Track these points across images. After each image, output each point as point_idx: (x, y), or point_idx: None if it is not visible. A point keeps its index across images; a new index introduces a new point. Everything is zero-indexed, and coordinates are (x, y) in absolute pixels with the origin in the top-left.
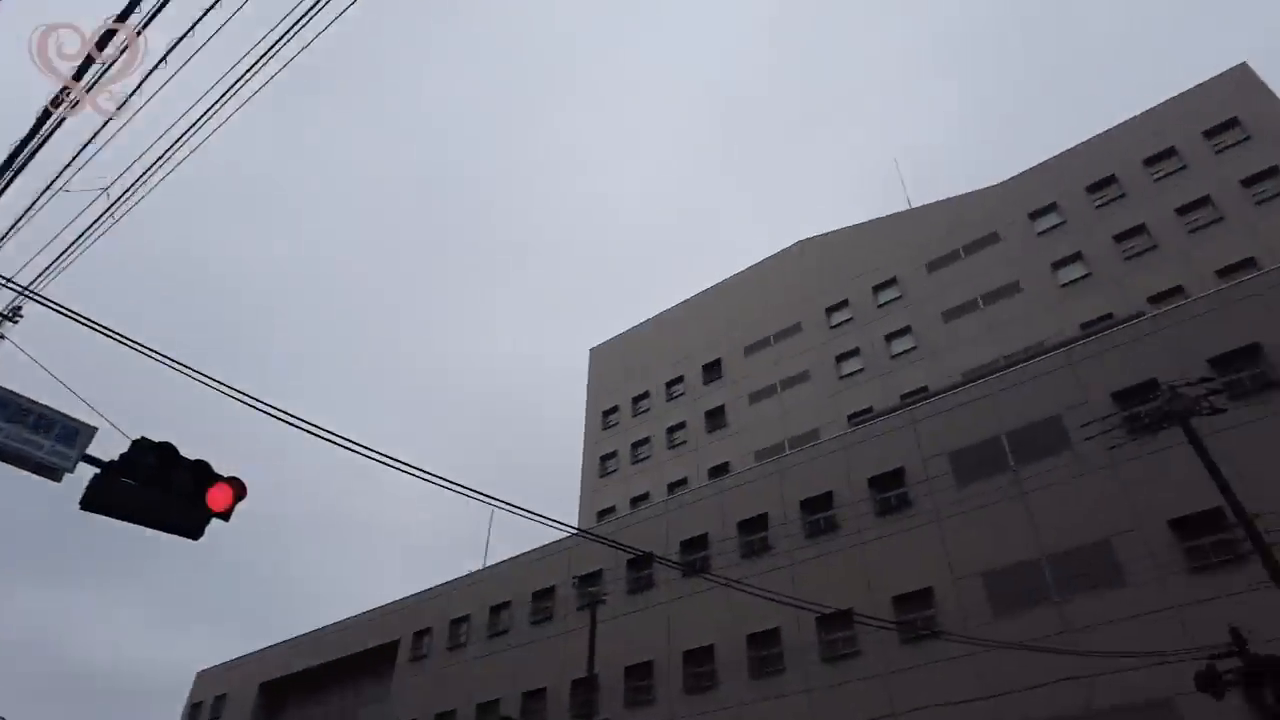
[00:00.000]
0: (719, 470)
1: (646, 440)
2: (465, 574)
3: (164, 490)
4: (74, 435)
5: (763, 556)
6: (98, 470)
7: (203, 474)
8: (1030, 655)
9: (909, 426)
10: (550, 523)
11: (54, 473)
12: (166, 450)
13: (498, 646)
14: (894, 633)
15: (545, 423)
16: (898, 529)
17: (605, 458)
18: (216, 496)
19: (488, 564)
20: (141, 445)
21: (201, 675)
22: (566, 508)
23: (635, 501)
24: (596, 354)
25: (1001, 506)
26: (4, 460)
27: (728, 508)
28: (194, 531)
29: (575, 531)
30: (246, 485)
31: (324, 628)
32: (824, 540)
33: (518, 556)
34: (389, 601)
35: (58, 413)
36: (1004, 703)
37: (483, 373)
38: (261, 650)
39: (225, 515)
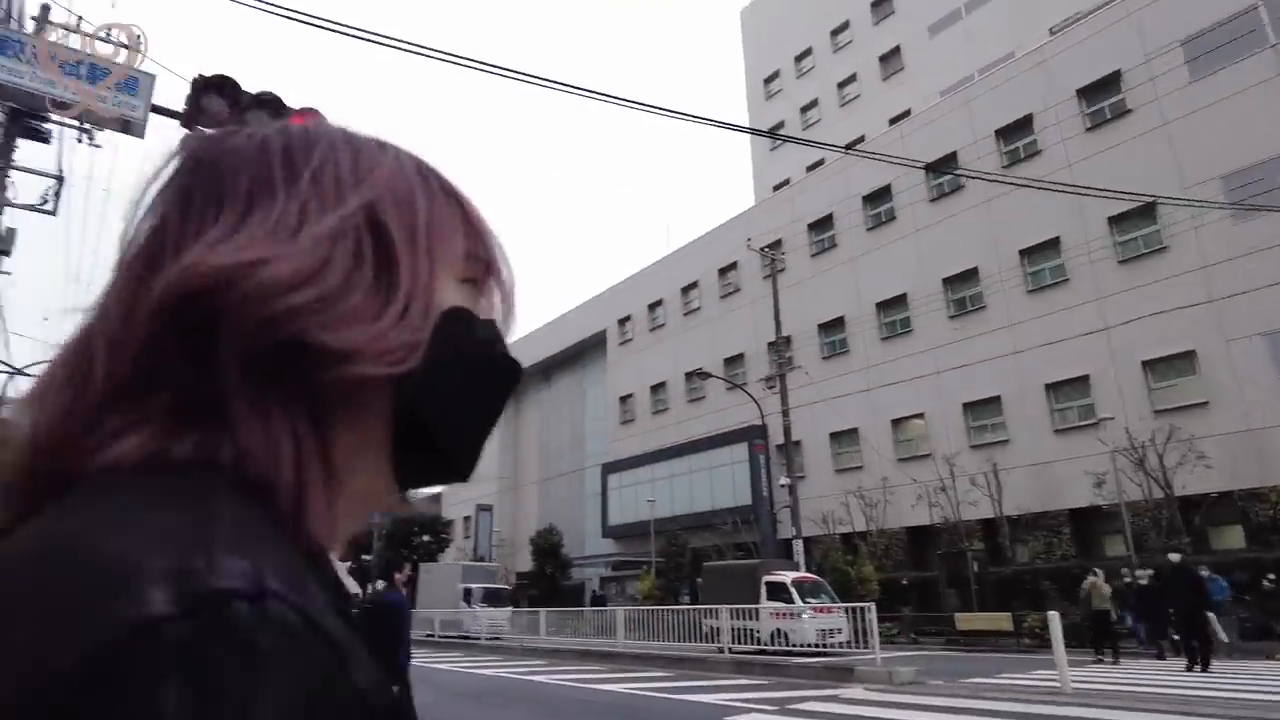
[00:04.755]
0: (900, 119)
1: (814, 103)
2: (653, 261)
3: None
4: (134, 84)
5: (953, 195)
6: (189, 129)
7: (273, 107)
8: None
9: (1129, 18)
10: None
11: (129, 125)
12: (228, 86)
13: (693, 323)
14: (1110, 256)
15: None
16: (1112, 142)
17: (773, 129)
18: None
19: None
20: (199, 85)
21: None
22: (737, 186)
23: (811, 168)
24: (749, 14)
25: (1249, 95)
26: (74, 119)
27: (909, 151)
28: None
29: (845, 150)
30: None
31: (539, 328)
32: (1021, 167)
33: (697, 239)
34: (591, 297)
35: (111, 61)
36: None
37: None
38: None
39: None
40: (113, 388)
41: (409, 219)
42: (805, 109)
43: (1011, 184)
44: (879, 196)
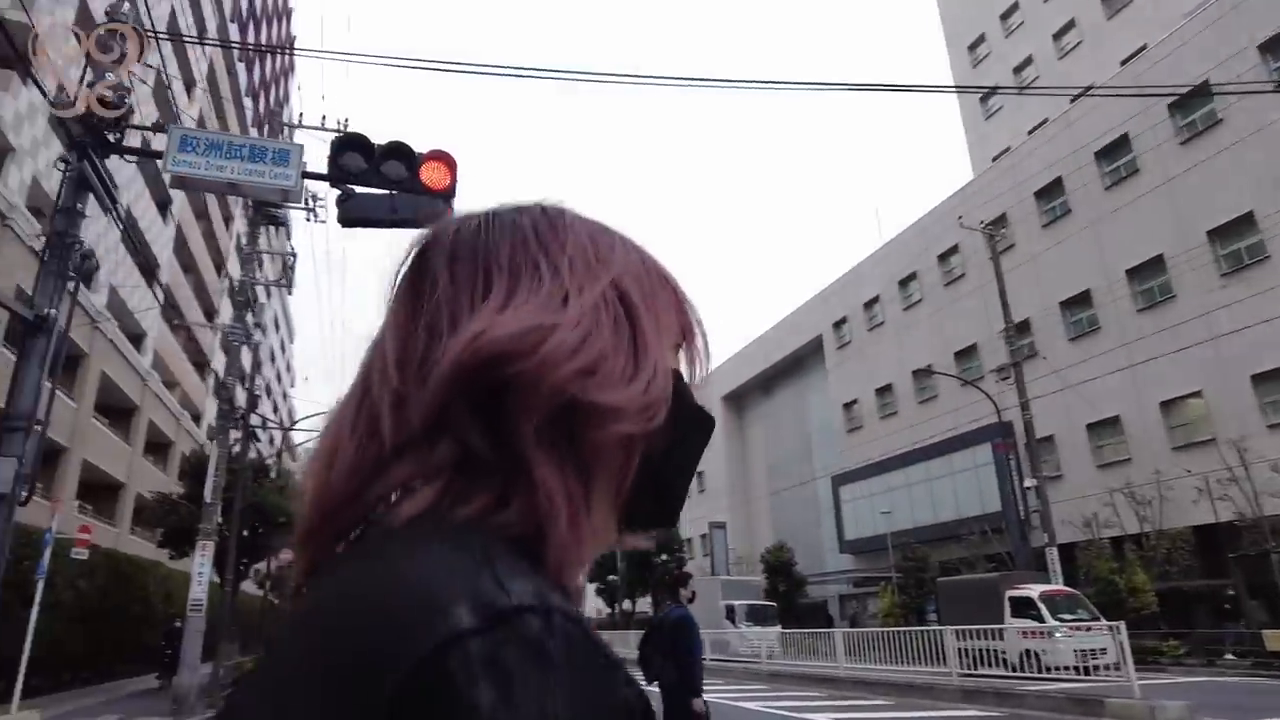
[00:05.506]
0: (1133, 58)
1: (1029, 60)
2: (864, 257)
3: (385, 185)
4: (286, 155)
5: (1209, 133)
6: (339, 189)
7: (404, 155)
8: None
9: None
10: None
11: (288, 195)
12: (363, 143)
13: (915, 317)
14: None
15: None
16: None
17: (983, 98)
18: (431, 176)
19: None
20: (338, 144)
21: None
22: (952, 169)
23: (1032, 132)
24: None
25: None
26: (242, 195)
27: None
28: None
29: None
30: (455, 158)
31: (753, 341)
32: None
33: (910, 226)
34: (803, 302)
35: (265, 139)
36: None
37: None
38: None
39: (449, 194)
40: (399, 442)
41: (643, 293)
42: (1019, 69)
43: None
44: (1116, 149)
